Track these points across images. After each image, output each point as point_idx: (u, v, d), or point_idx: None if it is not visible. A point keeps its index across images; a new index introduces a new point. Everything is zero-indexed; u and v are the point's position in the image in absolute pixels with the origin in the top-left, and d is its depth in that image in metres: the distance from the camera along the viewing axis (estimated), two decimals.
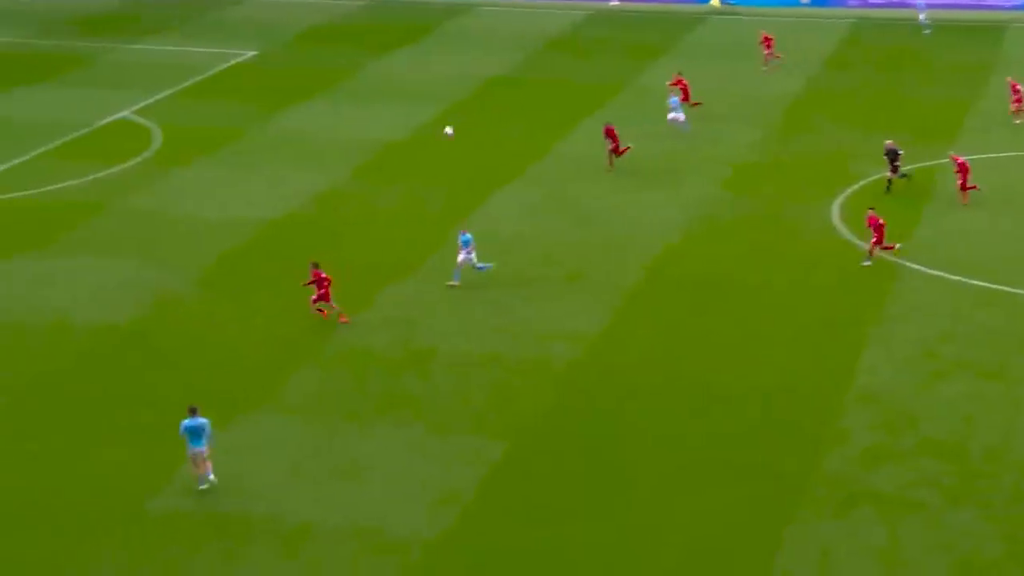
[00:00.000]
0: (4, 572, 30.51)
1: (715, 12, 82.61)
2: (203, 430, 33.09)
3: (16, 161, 56.27)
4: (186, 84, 67.26)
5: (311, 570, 30.63)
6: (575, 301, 43.19)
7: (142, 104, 63.88)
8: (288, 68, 70.59)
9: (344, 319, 41.73)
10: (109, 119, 61.88)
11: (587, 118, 60.69)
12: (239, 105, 63.68)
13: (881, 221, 45.12)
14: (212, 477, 33.50)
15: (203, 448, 33.13)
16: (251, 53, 73.35)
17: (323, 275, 41.55)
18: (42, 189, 53.05)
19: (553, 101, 64.12)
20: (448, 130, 39.35)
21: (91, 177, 54.18)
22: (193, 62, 71.10)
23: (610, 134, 54.34)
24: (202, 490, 33.36)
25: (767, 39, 70.34)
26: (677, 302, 43.18)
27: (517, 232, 48.60)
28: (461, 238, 44.36)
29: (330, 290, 41.53)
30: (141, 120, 61.85)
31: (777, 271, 45.10)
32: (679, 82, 61.15)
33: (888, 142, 51.97)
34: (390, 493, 33.35)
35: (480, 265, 44.32)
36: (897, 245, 45.65)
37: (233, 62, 71.54)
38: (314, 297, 41.71)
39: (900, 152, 51.32)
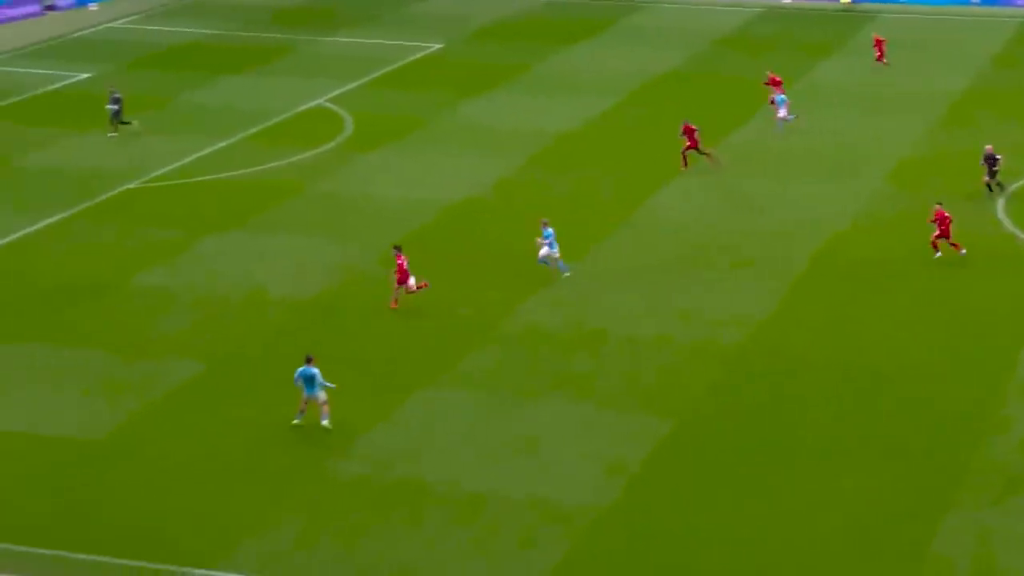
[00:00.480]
0: (197, 528, 30.93)
1: (885, 11, 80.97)
2: (315, 378, 34.23)
3: (223, 144, 57.13)
4: (376, 74, 67.72)
5: (485, 536, 30.58)
6: (743, 286, 42.60)
7: (336, 93, 64.44)
8: (471, 60, 70.71)
9: (394, 304, 40.93)
10: (305, 106, 62.52)
11: (758, 112, 59.83)
12: (425, 95, 63.96)
13: (947, 215, 43.69)
14: (327, 422, 34.48)
15: (316, 393, 34.31)
16: (437, 46, 73.62)
17: (401, 261, 41.04)
18: (245, 170, 53.81)
19: (724, 96, 63.36)
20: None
21: (288, 160, 54.79)
22: (383, 54, 71.56)
23: (688, 133, 52.65)
24: (322, 425, 34.54)
25: (879, 41, 67.98)
26: (843, 288, 42.39)
27: (686, 220, 48.09)
28: (545, 232, 42.83)
29: (408, 278, 40.96)
30: (334, 108, 62.40)
31: (942, 261, 44.00)
32: (774, 81, 59.49)
33: (988, 147, 49.86)
34: (560, 465, 33.18)
35: (562, 264, 42.80)
36: (962, 251, 43.86)
37: (420, 54, 71.86)
38: (396, 282, 41.24)
39: (998, 158, 49.35)
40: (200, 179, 53.10)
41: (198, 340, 39.80)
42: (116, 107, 57.59)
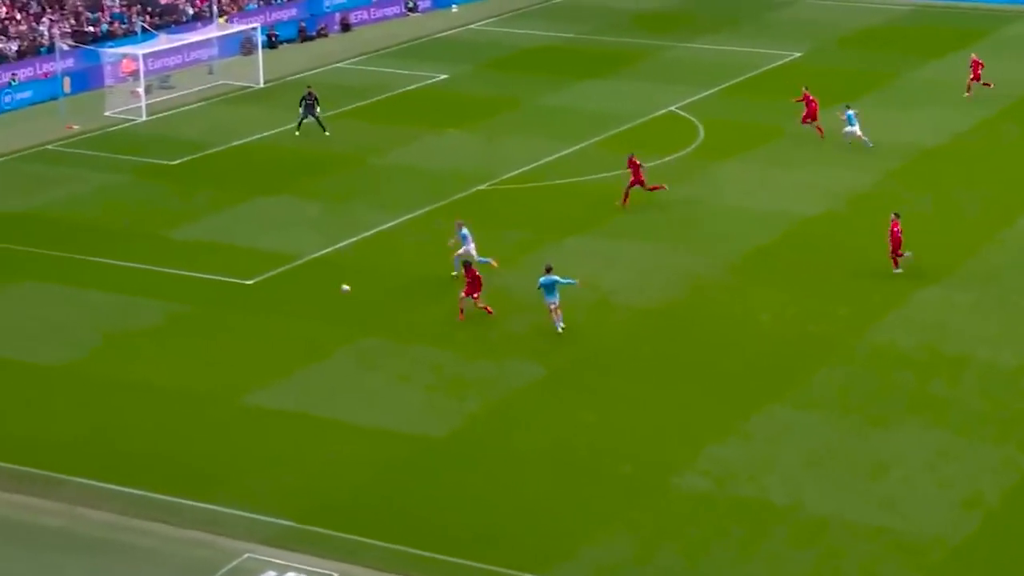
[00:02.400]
0: (535, 532, 30.91)
1: None
2: (555, 285, 39.15)
3: (573, 148, 57.40)
4: (732, 82, 66.92)
5: (828, 561, 29.63)
6: None
7: (689, 100, 63.97)
8: (831, 69, 69.12)
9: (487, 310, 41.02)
10: (658, 113, 62.27)
11: None
12: (780, 104, 62.78)
13: (897, 231, 42.93)
14: (561, 326, 39.30)
15: (556, 300, 39.15)
16: (796, 54, 72.31)
17: (475, 274, 40.78)
18: (595, 176, 53.89)
19: None
20: (345, 288, 42.56)
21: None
22: (740, 61, 70.69)
23: (633, 168, 50.04)
24: (559, 332, 39.26)
25: (976, 63, 63.17)
26: None
27: None
28: (460, 233, 43.31)
29: (477, 290, 40.62)
30: (687, 115, 61.95)
31: None
32: (807, 99, 56.74)
33: None
34: (911, 494, 31.91)
35: (481, 259, 42.75)
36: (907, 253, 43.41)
37: (779, 63, 70.69)
38: (463, 293, 40.89)
39: None
40: (550, 183, 53.43)
41: (540, 343, 39.95)
42: (308, 107, 58.93)
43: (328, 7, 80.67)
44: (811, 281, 43.45)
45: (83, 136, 59.71)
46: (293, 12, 78.86)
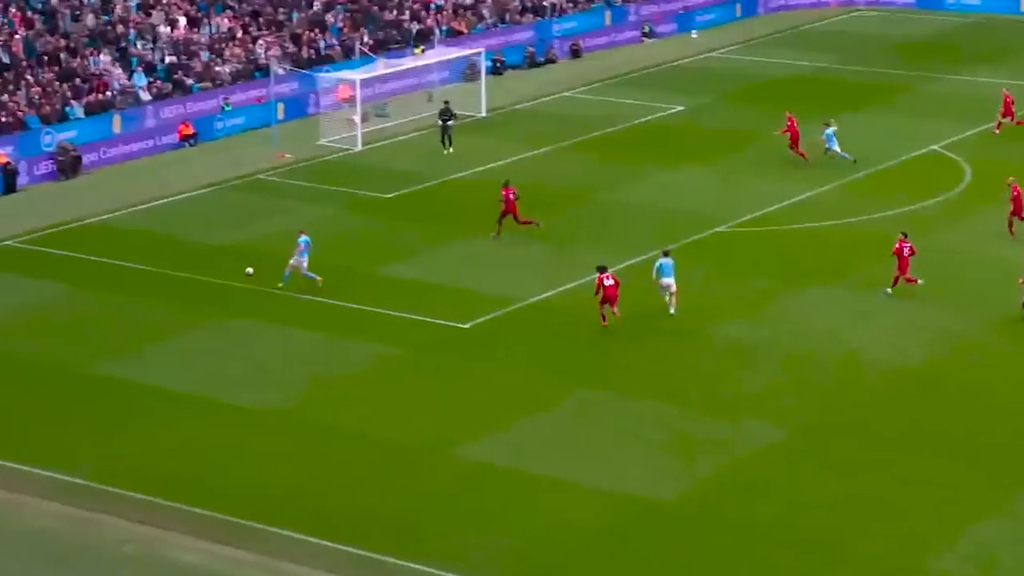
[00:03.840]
0: None
1: None
2: (671, 268, 44.21)
3: (821, 189, 56.86)
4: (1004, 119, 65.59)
5: None
6: None
7: (954, 138, 62.97)
8: None
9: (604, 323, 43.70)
10: (918, 152, 61.39)
11: None
12: None
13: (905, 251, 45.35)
14: (673, 311, 43.81)
15: (671, 280, 43.98)
16: None
17: (608, 281, 43.50)
18: (846, 220, 53.30)
19: None
20: (249, 270, 46.54)
21: (895, 211, 53.84)
22: (1015, 96, 69.22)
23: (507, 198, 50.57)
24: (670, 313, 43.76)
25: (1008, 100, 62.44)
26: None
27: None
28: (300, 239, 46.71)
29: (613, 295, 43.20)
30: (951, 155, 60.97)
31: None
32: (790, 123, 59.47)
33: None
34: None
35: (309, 274, 46.42)
36: (919, 281, 45.65)
37: None
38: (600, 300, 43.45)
39: None
40: (795, 226, 53.04)
41: (780, 402, 39.62)
42: (448, 123, 61.08)
43: (558, 32, 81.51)
44: None
45: (295, 166, 61.24)
46: (521, 36, 79.83)
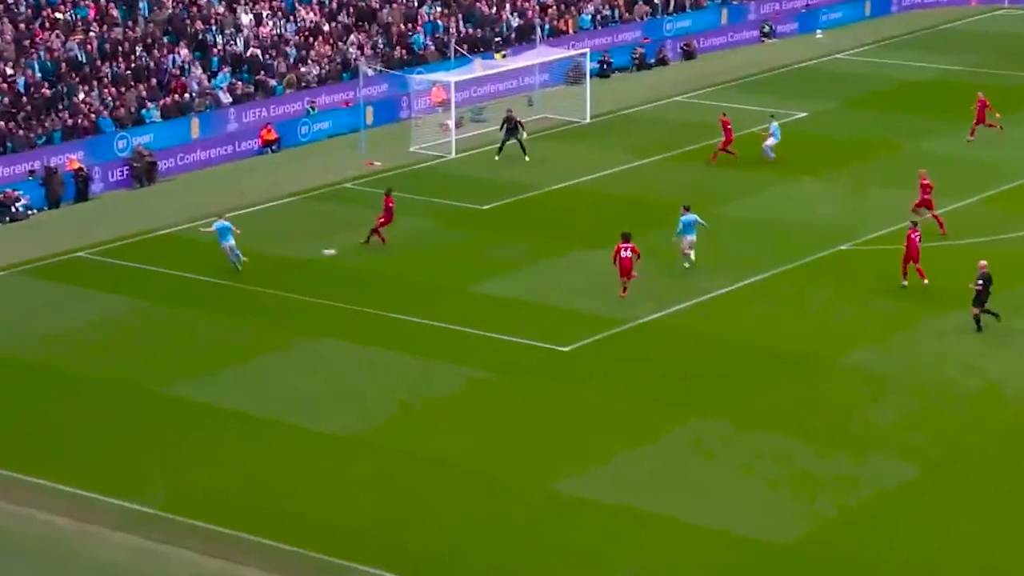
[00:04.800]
0: None
1: None
2: (694, 224, 48.79)
3: (958, 204, 56.04)
4: None
5: None
6: None
7: None
8: None
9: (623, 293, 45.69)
10: None
11: None
12: None
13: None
14: (688, 265, 48.97)
15: (693, 237, 48.84)
16: None
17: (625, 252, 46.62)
18: (980, 239, 52.51)
19: None
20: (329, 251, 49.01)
21: None
22: None
23: (388, 206, 52.54)
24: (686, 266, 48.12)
25: (982, 103, 62.00)
26: None
27: None
28: (215, 224, 50.15)
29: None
30: None
31: None
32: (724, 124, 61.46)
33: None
34: None
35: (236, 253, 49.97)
36: (925, 281, 47.61)
37: None
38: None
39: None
40: (927, 245, 52.13)
41: (912, 437, 39.01)
42: (510, 131, 61.53)
43: (669, 31, 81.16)
44: None
45: (385, 174, 61.20)
46: (630, 36, 79.50)
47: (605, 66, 75.67)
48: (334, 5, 73.40)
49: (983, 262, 45.22)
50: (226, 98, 65.76)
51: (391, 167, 61.95)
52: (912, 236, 47.93)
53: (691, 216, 49.52)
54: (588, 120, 67.92)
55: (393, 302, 47.45)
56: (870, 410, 40.50)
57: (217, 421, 40.38)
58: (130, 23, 67.50)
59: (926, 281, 47.70)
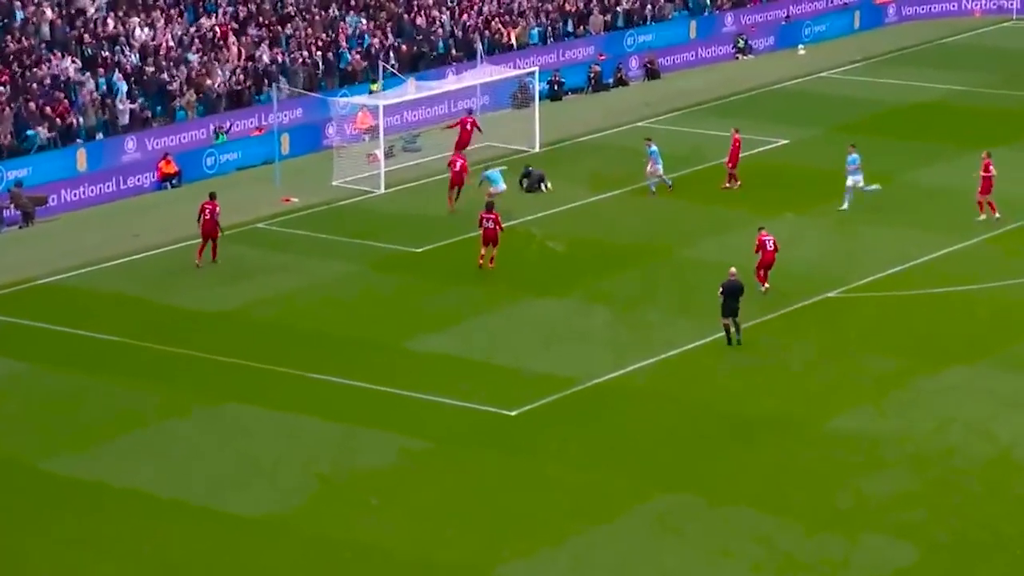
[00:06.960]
0: None
1: None
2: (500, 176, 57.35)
3: (959, 245, 56.48)
4: None
5: None
6: None
7: None
8: None
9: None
10: None
11: None
12: None
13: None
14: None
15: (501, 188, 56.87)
16: None
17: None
18: (984, 284, 52.97)
19: None
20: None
21: None
22: None
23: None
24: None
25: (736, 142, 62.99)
26: None
27: None
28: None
29: None
30: None
31: None
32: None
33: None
34: None
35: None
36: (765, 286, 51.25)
37: None
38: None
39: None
40: (925, 291, 52.71)
41: (910, 513, 39.23)
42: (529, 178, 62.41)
43: (630, 46, 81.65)
44: None
45: (303, 212, 61.31)
46: (584, 52, 79.88)
47: (556, 87, 76.10)
48: (242, 14, 73.40)
49: (732, 269, 48.60)
50: (123, 120, 65.41)
51: (311, 204, 62.06)
52: (763, 239, 51.69)
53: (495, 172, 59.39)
54: (538, 149, 68.21)
55: (313, 360, 47.50)
56: (862, 482, 40.67)
57: (110, 501, 40.20)
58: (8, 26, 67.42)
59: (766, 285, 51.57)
